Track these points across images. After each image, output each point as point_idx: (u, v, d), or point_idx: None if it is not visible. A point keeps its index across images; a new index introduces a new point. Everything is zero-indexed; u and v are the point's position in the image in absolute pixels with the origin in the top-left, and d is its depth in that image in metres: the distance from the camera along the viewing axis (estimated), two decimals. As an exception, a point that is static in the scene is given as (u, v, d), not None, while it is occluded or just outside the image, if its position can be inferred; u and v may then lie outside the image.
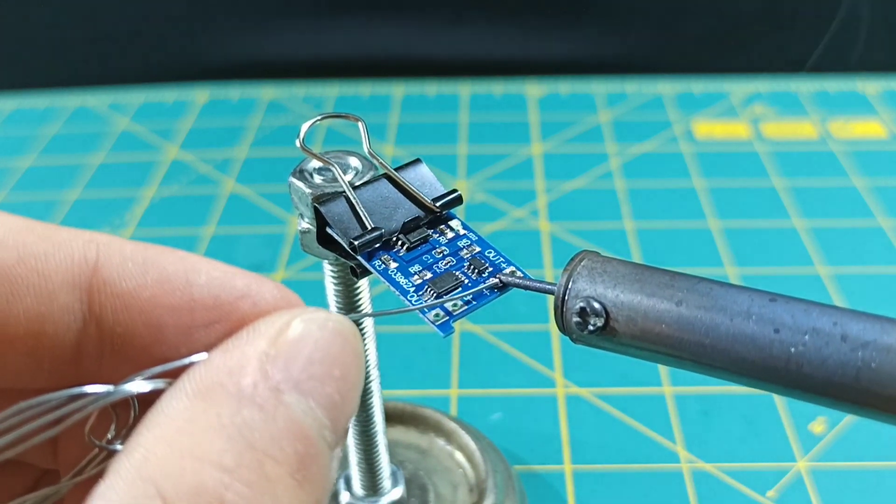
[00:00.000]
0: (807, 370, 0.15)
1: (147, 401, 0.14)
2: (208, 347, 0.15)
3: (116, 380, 0.15)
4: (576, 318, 0.17)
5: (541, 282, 0.18)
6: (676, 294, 0.16)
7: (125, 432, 0.16)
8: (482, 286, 0.18)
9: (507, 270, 0.19)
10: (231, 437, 0.13)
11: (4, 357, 0.16)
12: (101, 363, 0.17)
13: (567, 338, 0.18)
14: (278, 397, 0.14)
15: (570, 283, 0.17)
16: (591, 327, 0.17)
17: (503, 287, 0.18)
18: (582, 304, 0.17)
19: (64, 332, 0.16)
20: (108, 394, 0.15)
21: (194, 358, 0.15)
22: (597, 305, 0.17)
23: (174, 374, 0.15)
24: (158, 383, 0.15)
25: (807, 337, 0.15)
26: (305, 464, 0.13)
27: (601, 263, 0.17)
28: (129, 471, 0.12)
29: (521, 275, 0.19)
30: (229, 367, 0.14)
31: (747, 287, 0.16)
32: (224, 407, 0.13)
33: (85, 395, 0.15)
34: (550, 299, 0.18)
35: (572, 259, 0.18)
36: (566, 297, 0.17)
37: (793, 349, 0.15)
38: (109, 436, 0.16)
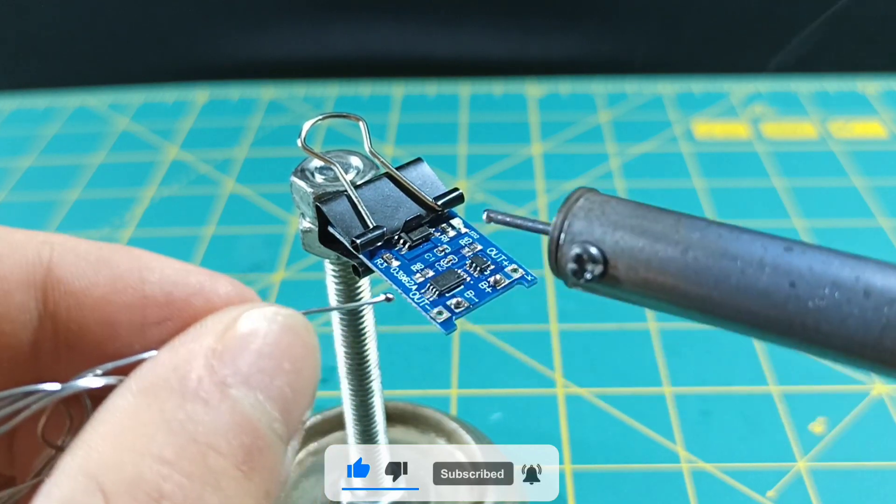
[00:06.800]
0: (825, 328, 0.13)
1: (101, 400, 0.15)
2: (162, 344, 0.15)
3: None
4: (571, 265, 0.15)
5: (533, 220, 0.17)
6: (683, 240, 0.14)
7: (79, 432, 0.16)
8: (426, 312, 0.18)
9: (510, 268, 0.19)
10: (173, 432, 0.13)
11: None
12: (58, 362, 0.17)
13: (565, 285, 0.16)
14: (224, 391, 0.14)
15: (566, 225, 0.16)
16: (587, 275, 0.15)
17: (490, 222, 0.17)
18: (578, 251, 0.15)
19: (20, 331, 0.16)
20: (57, 390, 0.15)
21: (144, 355, 0.15)
22: (594, 251, 0.15)
23: (126, 371, 0.15)
24: (109, 379, 0.15)
25: (826, 292, 0.13)
26: (252, 455, 0.13)
27: (600, 203, 0.16)
28: (72, 467, 0.13)
29: (510, 218, 0.17)
30: (174, 364, 0.14)
31: (761, 233, 0.14)
32: (167, 402, 0.13)
33: (35, 392, 0.15)
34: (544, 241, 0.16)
35: (569, 197, 0.16)
36: (561, 241, 0.16)
37: (810, 305, 0.13)
38: (65, 437, 0.16)
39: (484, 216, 0.18)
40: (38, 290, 0.16)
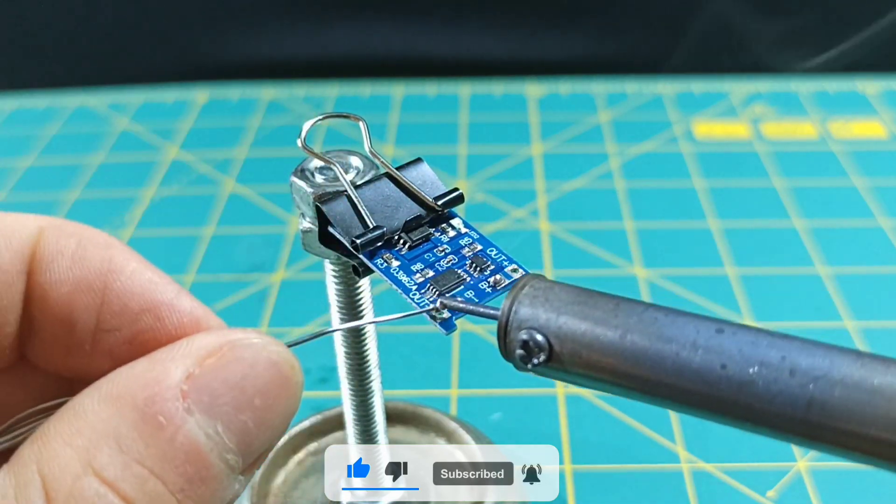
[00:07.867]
0: (756, 406, 0.14)
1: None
2: (109, 354, 0.16)
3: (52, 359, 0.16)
4: (519, 351, 0.16)
5: (484, 307, 0.17)
6: (622, 324, 0.15)
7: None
8: (423, 311, 0.18)
9: (510, 268, 0.19)
10: (121, 450, 0.13)
11: None
12: (31, 344, 0.17)
13: (515, 368, 0.17)
14: (183, 417, 0.14)
15: (512, 312, 0.16)
16: (534, 360, 0.16)
17: (444, 309, 0.18)
18: (525, 337, 0.16)
19: (11, 316, 0.17)
20: None
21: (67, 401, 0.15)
22: (540, 338, 0.16)
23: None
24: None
25: (754, 371, 0.14)
26: (192, 484, 0.14)
27: (544, 290, 0.16)
28: (26, 456, 0.13)
29: (464, 301, 0.18)
30: (146, 380, 0.14)
31: (695, 315, 0.15)
32: (125, 418, 0.14)
33: None
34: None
35: (515, 284, 0.17)
36: (509, 327, 0.16)
37: (741, 386, 0.14)
38: None
39: (437, 303, 0.18)
40: (25, 276, 0.17)
